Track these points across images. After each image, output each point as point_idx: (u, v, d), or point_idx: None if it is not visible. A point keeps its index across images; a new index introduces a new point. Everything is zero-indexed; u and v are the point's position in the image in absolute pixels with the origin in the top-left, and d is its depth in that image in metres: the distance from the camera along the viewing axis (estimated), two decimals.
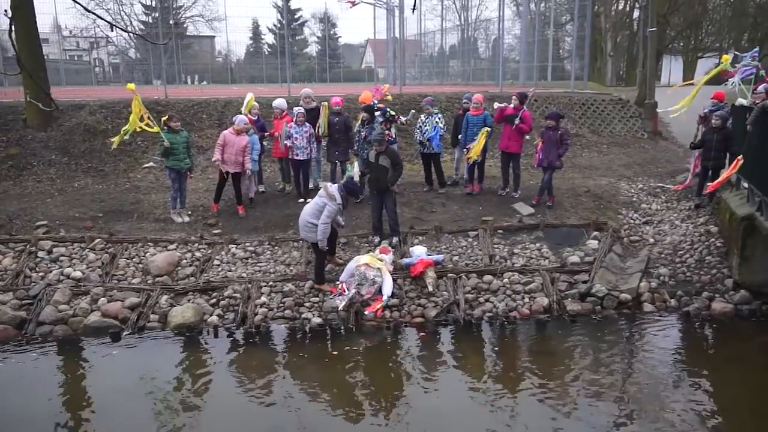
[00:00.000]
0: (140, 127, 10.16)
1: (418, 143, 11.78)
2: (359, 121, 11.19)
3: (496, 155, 12.36)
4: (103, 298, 8.38)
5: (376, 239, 9.63)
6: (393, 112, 11.41)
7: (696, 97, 10.66)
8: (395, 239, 9.65)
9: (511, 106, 10.97)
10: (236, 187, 10.70)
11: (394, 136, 11.46)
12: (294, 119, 10.96)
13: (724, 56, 10.39)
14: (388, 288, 8.32)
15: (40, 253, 9.28)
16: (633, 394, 6.55)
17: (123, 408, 6.33)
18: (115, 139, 10.48)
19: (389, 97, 11.97)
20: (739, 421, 6.24)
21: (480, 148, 10.88)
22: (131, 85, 10.27)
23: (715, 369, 7.26)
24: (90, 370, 7.24)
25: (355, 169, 9.85)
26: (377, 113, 11.24)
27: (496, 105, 11.17)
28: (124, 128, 10.28)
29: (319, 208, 8.33)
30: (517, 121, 10.65)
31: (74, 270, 8.95)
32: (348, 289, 8.26)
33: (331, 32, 46.07)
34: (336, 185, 8.45)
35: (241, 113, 11.24)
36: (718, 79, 11.32)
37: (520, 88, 17.77)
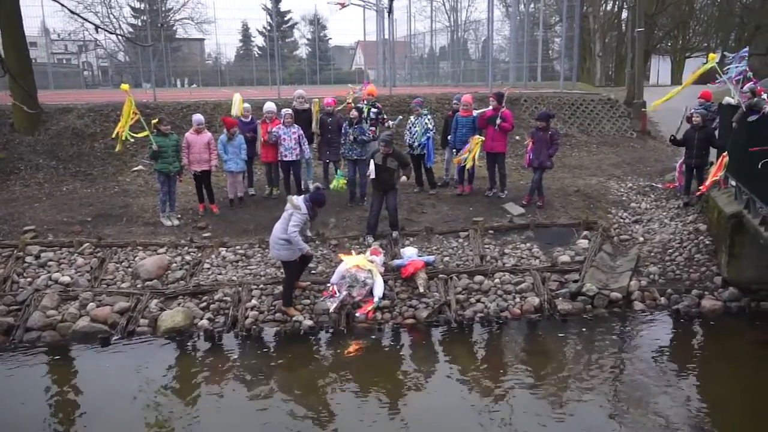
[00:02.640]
0: (128, 133, 10.09)
1: (407, 145, 11.78)
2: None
3: (483, 156, 12.37)
4: (92, 303, 8.31)
5: (369, 239, 9.62)
6: (385, 115, 11.59)
7: (685, 97, 10.70)
8: (395, 233, 9.70)
9: (490, 108, 11.02)
10: (206, 186, 10.74)
11: (377, 134, 11.59)
12: (282, 120, 10.95)
13: (711, 54, 10.44)
14: (379, 289, 8.31)
15: (28, 258, 9.19)
16: (624, 392, 6.58)
17: (113, 414, 6.28)
18: (118, 142, 10.44)
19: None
20: (729, 418, 6.28)
21: (474, 155, 10.88)
22: (125, 86, 10.22)
23: (705, 366, 7.31)
24: (79, 375, 7.19)
25: (371, 168, 9.78)
26: (374, 110, 11.51)
27: (475, 113, 11.18)
28: (121, 130, 10.17)
29: (287, 223, 8.04)
30: (498, 121, 10.68)
31: (62, 275, 8.87)
32: (339, 291, 8.24)
33: (321, 34, 46.06)
34: (301, 196, 8.22)
35: (231, 115, 11.25)
36: (706, 78, 11.38)
37: (510, 88, 17.80)
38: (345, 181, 10.84)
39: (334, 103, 11.55)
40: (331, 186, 10.89)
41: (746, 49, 10.63)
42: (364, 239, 9.71)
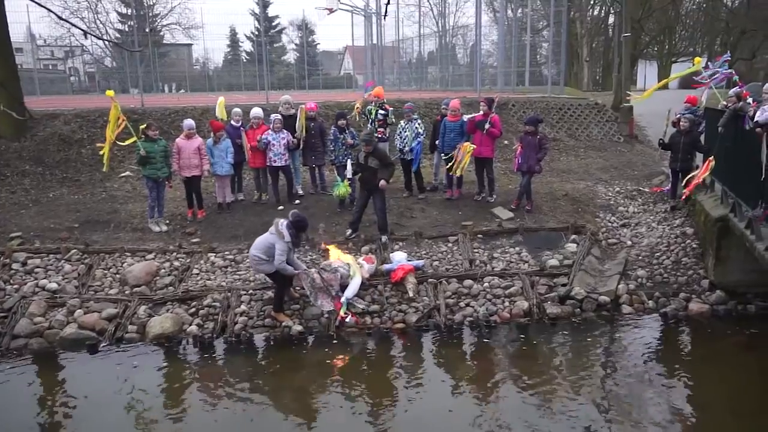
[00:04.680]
0: (113, 140, 10.06)
1: (398, 150, 11.81)
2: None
3: (471, 160, 12.43)
4: (79, 310, 8.24)
5: (348, 231, 9.69)
6: (393, 117, 11.88)
7: (670, 101, 10.84)
8: (384, 238, 9.70)
9: (480, 112, 11.09)
10: (195, 191, 10.72)
11: (387, 135, 11.82)
12: (271, 126, 10.94)
13: (696, 58, 10.59)
14: (351, 290, 8.32)
15: (15, 265, 9.11)
16: (613, 395, 6.60)
17: (101, 421, 6.23)
18: (105, 162, 10.46)
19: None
20: (715, 419, 6.32)
21: (465, 165, 10.90)
22: (110, 92, 10.18)
23: (693, 368, 7.35)
24: (67, 383, 7.13)
25: (348, 167, 9.81)
26: (382, 112, 11.70)
27: (466, 118, 11.23)
28: (102, 148, 10.15)
29: (268, 244, 7.99)
30: (487, 126, 10.75)
31: (50, 282, 8.79)
32: (308, 272, 8.34)
33: (309, 39, 46.05)
34: (285, 221, 8.07)
35: (216, 119, 11.27)
36: (690, 83, 11.53)
37: (498, 93, 17.90)
38: (349, 186, 10.67)
39: (316, 108, 11.63)
40: (335, 194, 10.73)
41: (728, 54, 10.79)
42: (347, 239, 9.75)
